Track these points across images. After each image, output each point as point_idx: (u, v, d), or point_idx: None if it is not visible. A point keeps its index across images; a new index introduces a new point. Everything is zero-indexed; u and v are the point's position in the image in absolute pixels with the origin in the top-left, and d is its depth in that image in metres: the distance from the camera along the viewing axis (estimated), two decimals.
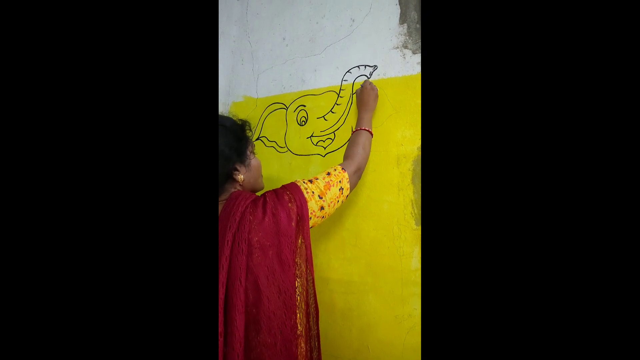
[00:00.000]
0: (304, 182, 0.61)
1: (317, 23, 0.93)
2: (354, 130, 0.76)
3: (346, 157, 0.71)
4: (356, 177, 0.68)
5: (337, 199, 0.63)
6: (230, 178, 0.60)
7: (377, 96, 0.79)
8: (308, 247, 0.58)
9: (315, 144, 0.90)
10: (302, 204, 0.57)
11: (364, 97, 0.78)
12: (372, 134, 0.75)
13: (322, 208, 0.60)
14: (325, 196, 0.60)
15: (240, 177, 0.61)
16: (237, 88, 1.06)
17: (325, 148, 0.88)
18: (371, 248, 0.78)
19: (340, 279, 0.82)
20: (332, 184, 0.62)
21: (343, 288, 0.81)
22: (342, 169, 0.65)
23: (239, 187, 0.62)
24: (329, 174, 0.63)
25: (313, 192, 0.59)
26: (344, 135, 0.86)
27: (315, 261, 0.84)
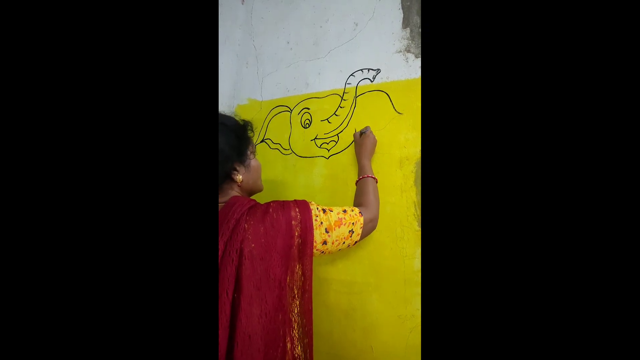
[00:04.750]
0: (317, 208, 0.57)
1: (320, 27, 0.95)
2: (358, 179, 0.74)
3: (360, 204, 0.68)
4: (370, 226, 0.64)
5: (343, 240, 0.58)
6: (228, 178, 0.58)
7: (376, 143, 0.80)
8: (308, 279, 0.53)
9: (319, 146, 0.91)
10: (308, 228, 0.53)
11: (367, 142, 0.78)
12: (377, 180, 0.74)
13: (324, 242, 0.56)
14: (332, 232, 0.56)
15: (239, 177, 0.58)
16: (242, 91, 1.08)
17: (329, 150, 0.90)
18: (374, 249, 0.79)
19: (344, 279, 0.83)
20: (343, 223, 0.58)
21: (346, 288, 0.82)
22: (360, 213, 0.61)
23: (237, 189, 0.60)
24: (345, 211, 0.60)
25: (322, 223, 0.56)
26: (348, 137, 0.87)
27: (319, 261, 0.85)
